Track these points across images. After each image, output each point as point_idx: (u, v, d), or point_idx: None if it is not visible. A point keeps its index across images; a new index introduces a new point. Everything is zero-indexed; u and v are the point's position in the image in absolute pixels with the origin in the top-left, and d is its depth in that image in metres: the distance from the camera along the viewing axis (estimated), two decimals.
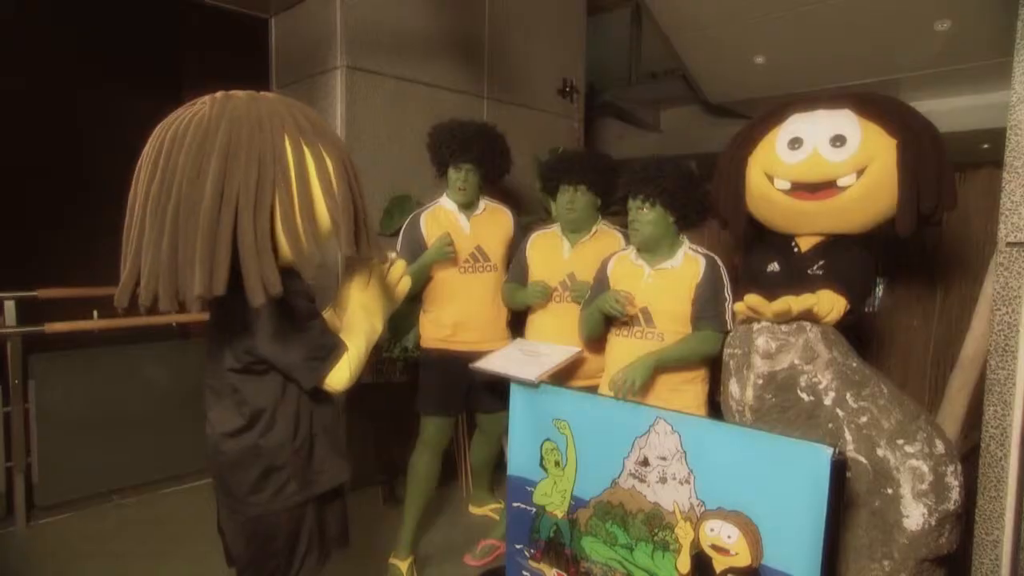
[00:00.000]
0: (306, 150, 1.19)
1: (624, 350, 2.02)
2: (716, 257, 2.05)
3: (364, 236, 1.28)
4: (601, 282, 2.15)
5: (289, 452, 1.32)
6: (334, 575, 2.27)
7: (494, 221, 2.51)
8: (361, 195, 1.29)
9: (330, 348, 1.30)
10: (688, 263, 2.03)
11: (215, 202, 1.10)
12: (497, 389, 2.18)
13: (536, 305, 2.36)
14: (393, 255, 1.44)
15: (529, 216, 3.11)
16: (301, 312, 1.27)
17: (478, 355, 2.28)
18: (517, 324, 2.53)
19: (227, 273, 1.11)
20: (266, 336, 1.24)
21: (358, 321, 1.37)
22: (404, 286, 1.45)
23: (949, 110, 4.38)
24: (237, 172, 1.12)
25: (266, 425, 1.31)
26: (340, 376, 1.30)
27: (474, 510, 2.95)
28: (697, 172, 2.68)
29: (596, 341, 2.19)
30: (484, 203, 2.52)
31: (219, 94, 1.20)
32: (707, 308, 1.97)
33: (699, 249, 2.07)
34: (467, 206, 2.46)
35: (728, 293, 2.00)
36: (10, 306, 2.69)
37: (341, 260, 3.01)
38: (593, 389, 2.14)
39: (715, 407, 1.99)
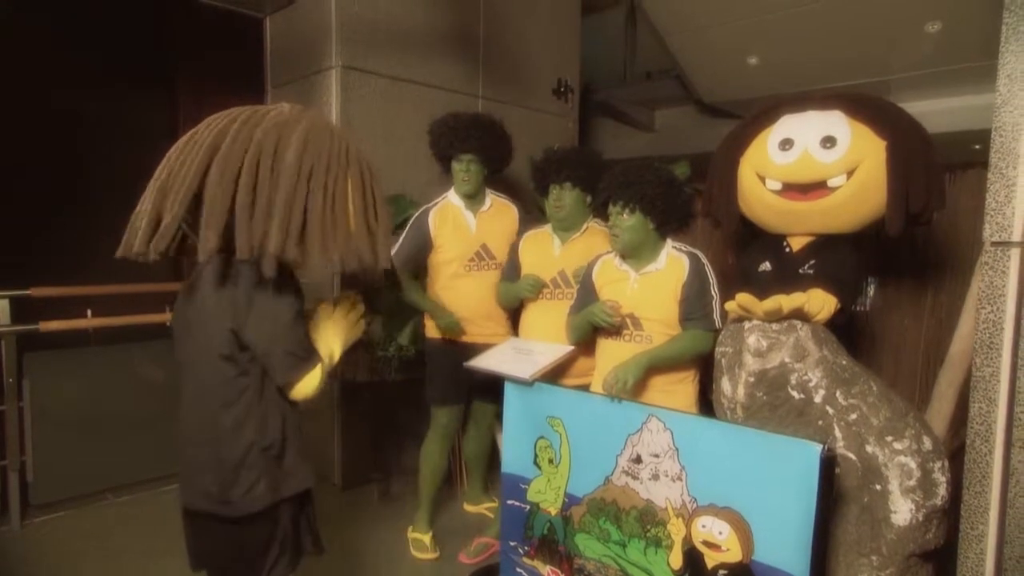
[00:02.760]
0: (365, 172, 1.33)
1: (614, 354, 2.03)
2: (699, 254, 2.06)
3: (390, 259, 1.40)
4: (586, 287, 2.16)
5: (258, 452, 1.33)
6: (331, 571, 2.30)
7: (500, 218, 2.54)
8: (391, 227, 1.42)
9: (312, 351, 1.35)
10: (672, 264, 2.03)
11: (295, 170, 1.21)
12: (493, 382, 2.20)
13: (528, 301, 2.37)
14: (357, 297, 1.51)
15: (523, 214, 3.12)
16: (296, 310, 1.30)
17: (481, 348, 2.32)
18: (515, 320, 2.55)
19: (298, 238, 1.20)
20: (256, 321, 1.27)
21: (321, 346, 1.41)
22: (360, 328, 1.52)
23: (940, 111, 4.40)
24: (312, 156, 1.23)
25: (239, 421, 1.32)
26: (311, 383, 1.33)
27: (469, 508, 2.97)
28: (688, 172, 2.69)
29: (585, 344, 2.20)
30: (491, 199, 2.54)
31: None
32: (694, 308, 1.99)
33: (682, 247, 2.07)
34: (473, 198, 2.48)
35: (715, 290, 2.01)
36: (4, 304, 2.68)
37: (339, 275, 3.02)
38: (585, 387, 2.16)
39: (707, 406, 2.01)
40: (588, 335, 2.14)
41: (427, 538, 2.55)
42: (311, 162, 1.23)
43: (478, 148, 2.40)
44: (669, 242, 2.08)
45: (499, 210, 2.55)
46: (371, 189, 1.34)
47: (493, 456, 2.87)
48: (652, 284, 2.03)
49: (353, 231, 1.28)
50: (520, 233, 2.54)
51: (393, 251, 2.45)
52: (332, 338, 1.44)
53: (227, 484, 1.32)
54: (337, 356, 1.45)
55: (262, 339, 1.28)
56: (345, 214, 1.27)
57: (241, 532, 1.36)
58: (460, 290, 2.46)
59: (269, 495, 1.34)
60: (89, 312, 2.85)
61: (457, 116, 2.45)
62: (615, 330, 2.05)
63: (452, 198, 2.50)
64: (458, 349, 2.44)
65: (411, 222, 2.49)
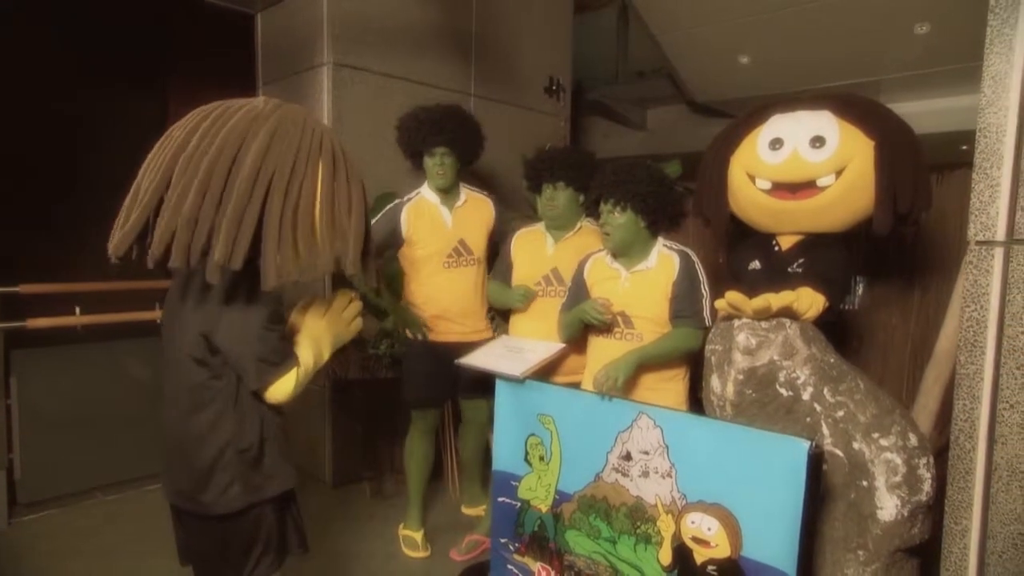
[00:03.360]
0: (340, 167, 1.26)
1: (605, 351, 2.05)
2: (690, 252, 2.07)
3: (371, 262, 1.34)
4: (578, 284, 2.17)
5: (234, 454, 1.32)
6: (323, 570, 2.30)
7: (476, 212, 2.51)
8: (369, 228, 1.34)
9: (284, 356, 1.31)
10: (663, 262, 2.05)
11: (251, 175, 1.15)
12: (483, 379, 2.21)
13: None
14: (354, 294, 1.46)
15: (515, 212, 3.13)
16: (268, 314, 1.28)
17: (461, 346, 2.31)
18: (503, 317, 2.55)
19: (247, 250, 1.14)
20: (229, 323, 1.26)
21: (307, 346, 1.38)
22: (355, 327, 1.47)
23: (928, 111, 4.45)
24: (276, 155, 1.17)
25: (212, 423, 1.32)
26: (284, 387, 1.30)
27: (467, 511, 2.92)
28: (680, 171, 2.70)
29: (576, 342, 2.21)
30: (465, 193, 2.51)
31: (275, 99, 1.28)
32: (684, 306, 2.00)
33: (673, 245, 2.09)
34: (447, 193, 2.45)
35: (705, 288, 2.02)
36: None
37: (328, 278, 3.01)
38: (575, 385, 2.17)
39: (697, 403, 2.02)
40: (579, 333, 2.15)
41: (418, 536, 2.56)
42: (273, 164, 1.16)
43: (451, 141, 2.36)
44: (660, 240, 2.09)
45: (474, 204, 2.52)
46: (345, 183, 1.26)
47: (488, 457, 2.86)
48: (643, 282, 2.04)
49: (319, 233, 1.21)
50: (496, 225, 2.53)
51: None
52: (322, 337, 1.40)
53: (200, 486, 1.32)
54: (326, 356, 1.41)
55: (232, 344, 1.26)
56: (310, 216, 1.20)
57: (223, 530, 1.36)
58: (438, 287, 2.45)
59: (245, 496, 1.34)
60: (77, 309, 2.82)
61: (427, 109, 2.39)
62: (606, 328, 2.06)
63: (426, 193, 2.45)
64: (437, 349, 2.43)
65: (382, 215, 2.43)
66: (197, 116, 1.22)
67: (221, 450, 1.32)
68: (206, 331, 1.27)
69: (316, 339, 1.40)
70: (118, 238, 1.18)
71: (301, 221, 1.19)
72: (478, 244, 2.49)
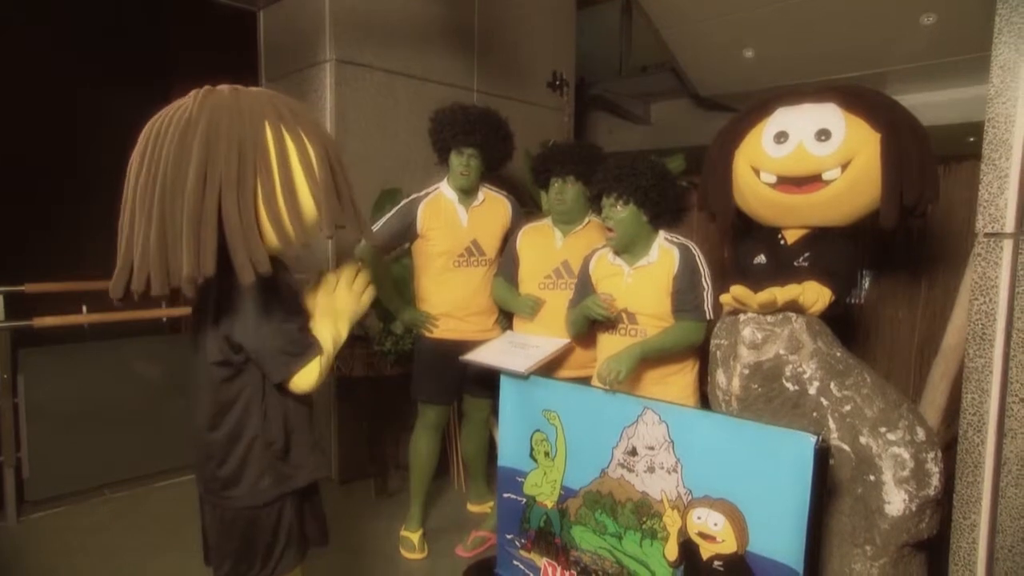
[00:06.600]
0: (287, 137, 1.21)
1: (610, 348, 2.04)
2: (690, 245, 2.06)
3: (351, 217, 1.28)
4: (584, 282, 2.17)
5: (261, 448, 1.33)
6: (328, 567, 2.30)
7: (492, 213, 2.51)
8: (347, 180, 1.29)
9: (305, 346, 1.30)
10: (663, 256, 2.04)
11: (198, 185, 1.12)
12: (487, 377, 2.20)
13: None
14: (360, 264, 1.46)
15: (524, 210, 3.12)
16: (283, 305, 1.28)
17: (470, 344, 2.31)
18: (507, 314, 2.55)
19: (214, 254, 1.13)
20: (245, 322, 1.26)
21: (324, 326, 1.37)
22: (368, 296, 1.45)
23: (935, 103, 4.41)
24: (218, 157, 1.14)
25: (240, 419, 1.32)
26: (309, 377, 1.30)
27: (473, 508, 2.91)
28: (684, 166, 2.69)
29: (585, 337, 2.21)
30: (484, 193, 2.50)
31: (203, 88, 1.22)
32: (685, 300, 1.99)
33: (674, 239, 2.08)
34: (467, 193, 2.45)
35: (706, 281, 2.01)
36: None
37: (331, 246, 3.02)
38: (584, 379, 2.16)
39: (703, 398, 2.02)
40: (586, 329, 2.14)
41: (415, 537, 2.53)
42: (215, 167, 1.13)
43: (482, 144, 2.36)
44: (662, 234, 2.08)
45: (491, 205, 2.51)
46: (325, 157, 1.24)
47: (492, 453, 2.86)
48: (645, 278, 2.03)
49: (304, 208, 1.20)
50: (513, 226, 2.52)
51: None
52: (337, 314, 1.39)
53: (232, 480, 1.33)
54: (344, 333, 1.40)
55: (251, 341, 1.26)
56: (274, 197, 1.18)
57: (248, 522, 1.37)
58: (448, 285, 2.44)
59: (276, 488, 1.36)
60: (84, 308, 2.84)
61: (465, 108, 2.40)
62: (611, 324, 2.05)
63: (445, 190, 2.45)
64: (447, 347, 2.42)
65: (398, 207, 2.44)
66: (144, 138, 1.20)
67: (249, 445, 1.33)
68: (227, 332, 1.27)
69: (332, 318, 1.39)
70: (113, 281, 1.20)
71: (268, 209, 1.18)
72: (491, 245, 2.48)
